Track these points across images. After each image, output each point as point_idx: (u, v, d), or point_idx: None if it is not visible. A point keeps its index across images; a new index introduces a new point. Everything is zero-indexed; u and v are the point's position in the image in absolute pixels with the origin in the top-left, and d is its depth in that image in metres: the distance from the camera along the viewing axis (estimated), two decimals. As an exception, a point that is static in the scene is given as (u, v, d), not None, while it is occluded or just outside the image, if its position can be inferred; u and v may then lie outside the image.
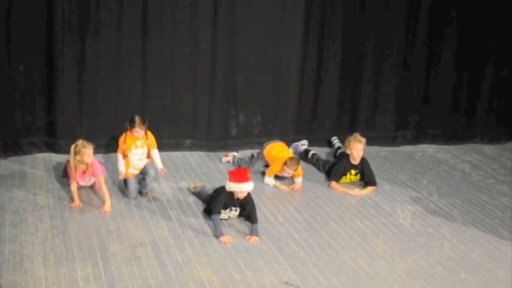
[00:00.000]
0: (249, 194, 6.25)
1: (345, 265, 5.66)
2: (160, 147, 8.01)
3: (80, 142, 6.43)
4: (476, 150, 9.32)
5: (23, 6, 7.40)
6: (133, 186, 6.76)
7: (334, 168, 7.55)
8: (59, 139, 7.87)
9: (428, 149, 9.23)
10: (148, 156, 6.87)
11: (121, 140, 6.81)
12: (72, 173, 6.50)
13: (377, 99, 9.01)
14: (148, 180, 6.83)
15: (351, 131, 8.45)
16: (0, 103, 7.57)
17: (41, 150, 7.93)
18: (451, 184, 7.85)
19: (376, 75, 8.90)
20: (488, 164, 8.71)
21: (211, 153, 8.39)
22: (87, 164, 6.50)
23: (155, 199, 6.82)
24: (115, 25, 7.74)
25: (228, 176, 6.17)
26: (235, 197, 6.19)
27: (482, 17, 8.97)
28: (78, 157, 6.42)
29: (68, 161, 6.65)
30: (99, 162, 6.80)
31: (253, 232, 6.06)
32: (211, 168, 7.88)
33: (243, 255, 5.71)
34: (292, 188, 7.35)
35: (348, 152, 7.51)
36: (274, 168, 7.41)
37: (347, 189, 7.38)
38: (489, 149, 9.41)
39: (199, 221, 6.36)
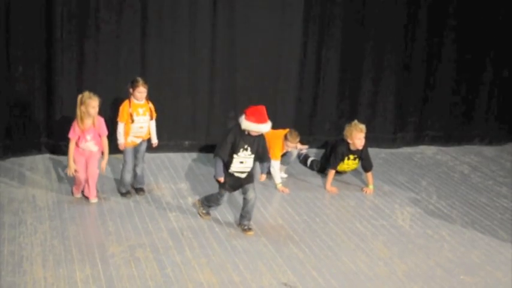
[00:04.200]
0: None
1: (344, 267, 5.66)
2: (159, 149, 8.02)
3: (86, 93, 6.35)
4: (476, 151, 9.33)
5: (22, 6, 7.39)
6: (130, 155, 6.75)
7: (332, 156, 7.53)
8: (58, 140, 7.86)
9: (428, 151, 9.24)
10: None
11: (124, 106, 6.69)
12: (78, 124, 6.36)
13: (376, 100, 9.02)
14: (139, 170, 6.84)
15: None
16: (-1, 104, 7.60)
17: (40, 152, 7.93)
18: (450, 186, 7.85)
19: (376, 76, 8.91)
20: (487, 166, 8.72)
21: (211, 155, 8.38)
22: (93, 118, 6.40)
23: (154, 200, 6.81)
24: (114, 27, 7.75)
25: (244, 114, 5.85)
26: (246, 132, 5.93)
27: (481, 19, 8.99)
28: (83, 108, 6.32)
29: (74, 121, 6.45)
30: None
31: (263, 171, 6.22)
32: (211, 169, 7.86)
33: (242, 257, 5.70)
34: (282, 191, 7.33)
35: (349, 141, 7.40)
36: (276, 147, 7.31)
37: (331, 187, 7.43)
38: (488, 150, 9.42)
39: (199, 222, 6.36)
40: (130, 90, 6.65)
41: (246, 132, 5.93)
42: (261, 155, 6.08)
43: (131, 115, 6.66)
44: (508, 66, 9.35)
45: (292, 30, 8.41)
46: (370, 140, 8.76)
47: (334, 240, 6.18)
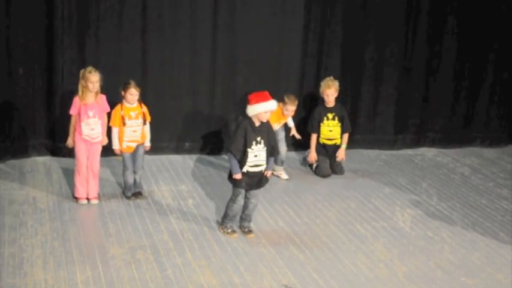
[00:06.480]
0: (267, 121, 6.01)
1: (344, 269, 5.66)
2: (160, 150, 8.03)
3: (88, 67, 6.40)
4: (476, 153, 9.32)
5: (22, 8, 7.40)
6: (129, 160, 6.73)
7: (310, 118, 7.64)
8: (58, 142, 7.86)
9: (428, 153, 9.23)
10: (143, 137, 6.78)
11: (116, 110, 6.64)
12: (79, 99, 6.38)
13: (377, 102, 9.02)
14: (137, 177, 6.82)
15: (350, 133, 8.46)
16: (0, 106, 7.58)
17: (40, 153, 7.93)
18: (450, 187, 7.85)
19: (376, 78, 8.91)
20: (487, 168, 8.71)
21: (211, 156, 8.39)
22: (95, 94, 6.40)
23: (155, 202, 6.81)
24: (115, 27, 7.75)
25: (248, 101, 5.86)
26: (257, 124, 5.89)
27: (482, 21, 8.99)
28: (83, 82, 6.35)
29: (75, 96, 6.46)
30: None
31: (269, 167, 6.04)
32: (211, 171, 7.87)
33: (242, 259, 5.70)
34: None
35: (323, 97, 7.72)
36: (274, 113, 7.02)
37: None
38: (489, 152, 9.41)
39: (199, 224, 6.36)
40: (122, 93, 6.63)
41: (257, 124, 5.90)
42: (272, 149, 6.05)
43: (123, 118, 6.61)
44: (509, 68, 9.34)
45: (292, 31, 8.41)
46: (370, 142, 8.81)
47: (334, 242, 6.18)
